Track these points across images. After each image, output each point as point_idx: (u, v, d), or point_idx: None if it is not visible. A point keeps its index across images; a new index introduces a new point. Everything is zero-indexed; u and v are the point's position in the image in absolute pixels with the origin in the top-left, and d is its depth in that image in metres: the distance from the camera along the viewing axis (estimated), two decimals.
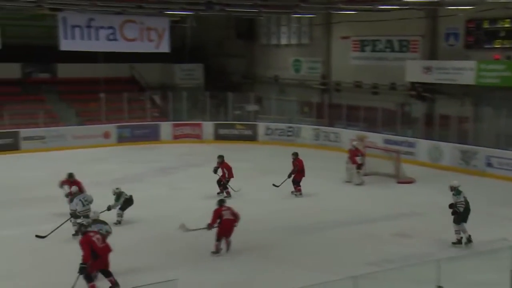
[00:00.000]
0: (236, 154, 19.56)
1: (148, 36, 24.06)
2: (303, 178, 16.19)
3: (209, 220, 11.52)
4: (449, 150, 19.61)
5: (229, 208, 11.77)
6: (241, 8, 21.90)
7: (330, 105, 25.23)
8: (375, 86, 24.47)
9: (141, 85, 29.05)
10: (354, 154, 17.72)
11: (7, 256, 11.45)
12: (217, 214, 11.60)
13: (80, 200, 12.38)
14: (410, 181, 17.76)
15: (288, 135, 24.69)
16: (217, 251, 11.49)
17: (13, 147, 21.94)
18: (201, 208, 14.85)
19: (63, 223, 12.20)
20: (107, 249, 9.74)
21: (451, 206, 12.03)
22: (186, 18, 25.02)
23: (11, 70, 26.50)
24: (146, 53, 25.45)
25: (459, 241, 11.89)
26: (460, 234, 11.91)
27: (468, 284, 8.71)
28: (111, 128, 24.67)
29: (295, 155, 16.37)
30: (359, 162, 17.60)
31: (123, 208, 13.37)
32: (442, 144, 19.89)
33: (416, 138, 20.86)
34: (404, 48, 23.41)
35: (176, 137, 25.42)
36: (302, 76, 27.89)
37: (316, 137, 24.05)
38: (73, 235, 12.10)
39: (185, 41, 27.07)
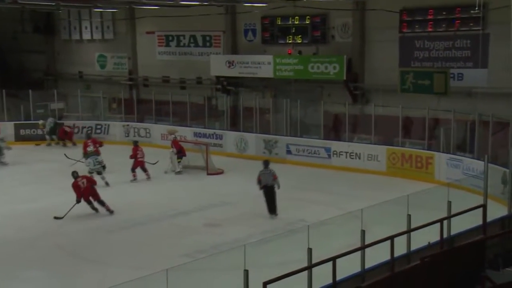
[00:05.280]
0: (40, 155, 18.62)
1: None
2: None
3: None
4: (253, 140, 20.86)
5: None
6: (36, 0, 20.69)
7: (138, 101, 25.12)
8: (183, 80, 24.97)
9: None
10: (177, 142, 18.80)
11: None
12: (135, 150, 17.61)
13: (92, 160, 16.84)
14: (219, 172, 18.56)
15: (97, 133, 24.03)
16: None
17: None
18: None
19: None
20: (88, 189, 14.16)
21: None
22: None
23: None
24: None
25: None
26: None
27: (271, 264, 9.49)
28: None
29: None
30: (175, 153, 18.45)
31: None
32: (247, 134, 21.07)
33: (223, 130, 21.83)
34: (208, 43, 24.24)
35: None
36: (108, 72, 27.33)
37: (126, 133, 23.81)
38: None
39: None
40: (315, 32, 21.02)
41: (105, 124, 24.12)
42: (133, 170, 17.55)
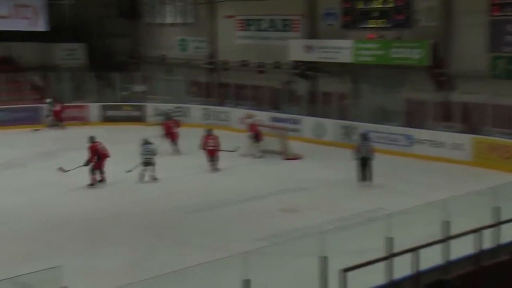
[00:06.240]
0: (124, 136, 19.24)
1: (23, 14, 22.82)
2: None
3: None
4: (331, 126, 20.58)
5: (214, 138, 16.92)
6: None
7: (218, 85, 25.39)
8: (261, 65, 24.95)
9: (19, 65, 27.45)
10: (254, 127, 18.70)
11: None
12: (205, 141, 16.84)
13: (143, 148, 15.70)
14: (296, 158, 18.45)
15: (177, 116, 24.55)
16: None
17: None
18: (82, 192, 14.60)
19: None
20: (107, 154, 15.11)
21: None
22: None
23: None
24: (23, 32, 24.11)
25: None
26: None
27: (349, 252, 9.29)
28: None
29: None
30: (252, 137, 18.49)
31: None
32: (325, 120, 20.82)
33: (301, 115, 21.67)
34: (287, 27, 24.06)
35: (61, 120, 24.41)
36: (188, 55, 27.77)
37: (206, 116, 24.16)
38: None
39: (65, 19, 25.90)
40: (398, 16, 20.32)
41: (185, 107, 24.59)
42: (208, 160, 16.92)
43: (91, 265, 10.08)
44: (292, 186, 15.28)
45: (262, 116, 21.65)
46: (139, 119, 24.54)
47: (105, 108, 24.88)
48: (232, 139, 18.67)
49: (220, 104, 24.24)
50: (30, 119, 23.82)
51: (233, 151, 17.45)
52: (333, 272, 7.20)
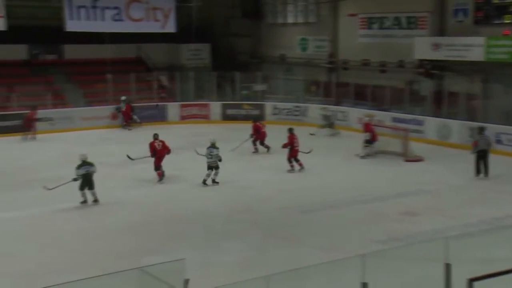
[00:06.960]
0: (243, 135, 19.51)
1: (154, 16, 23.98)
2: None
3: None
4: (457, 127, 19.48)
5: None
6: None
7: (337, 84, 25.07)
8: (383, 64, 24.29)
9: (148, 65, 28.99)
10: (369, 126, 18.26)
11: (21, 235, 11.57)
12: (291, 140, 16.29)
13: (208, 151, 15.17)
14: (418, 160, 17.66)
15: (295, 115, 24.60)
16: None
17: (21, 129, 21.98)
18: (201, 189, 14.96)
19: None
20: (164, 150, 15.43)
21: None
22: None
23: (18, 52, 26.56)
24: (152, 33, 25.35)
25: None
26: None
27: (476, 261, 8.67)
28: None
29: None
30: (368, 137, 17.90)
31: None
32: (451, 121, 19.76)
33: (425, 116, 20.74)
34: (412, 25, 23.18)
35: (184, 118, 25.43)
36: (308, 55, 27.71)
37: (324, 116, 23.89)
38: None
39: (191, 21, 26.90)
40: None
41: (303, 107, 24.53)
42: (289, 160, 16.30)
43: (209, 260, 10.27)
44: (413, 188, 14.63)
45: (383, 117, 21.03)
46: (258, 118, 24.81)
47: (226, 106, 25.49)
48: (350, 139, 18.29)
49: (339, 104, 23.89)
50: (157, 117, 24.98)
51: (308, 152, 16.66)
52: (457, 281, 6.72)
